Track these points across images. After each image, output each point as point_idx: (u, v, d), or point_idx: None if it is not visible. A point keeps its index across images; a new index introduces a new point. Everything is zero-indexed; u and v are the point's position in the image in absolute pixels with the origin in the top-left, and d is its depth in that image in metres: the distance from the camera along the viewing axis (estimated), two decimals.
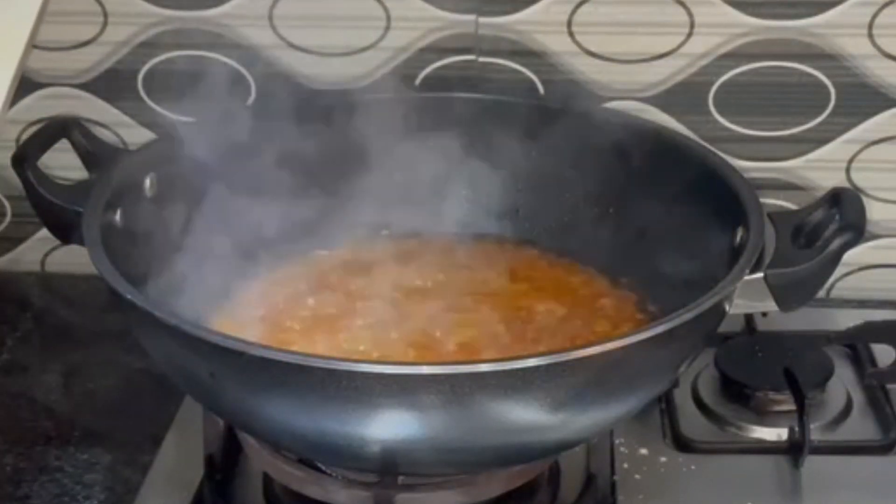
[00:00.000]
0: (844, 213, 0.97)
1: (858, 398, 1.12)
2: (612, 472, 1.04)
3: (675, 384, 1.10)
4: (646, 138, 1.10)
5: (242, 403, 0.91)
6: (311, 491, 0.98)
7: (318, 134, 1.09)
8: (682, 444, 1.07)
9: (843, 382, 1.13)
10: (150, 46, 1.22)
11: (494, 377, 0.85)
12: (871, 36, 1.17)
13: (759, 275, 0.95)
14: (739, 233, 0.99)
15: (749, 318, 1.17)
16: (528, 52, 1.20)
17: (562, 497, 1.03)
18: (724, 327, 0.98)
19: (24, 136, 1.23)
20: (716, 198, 1.03)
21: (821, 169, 1.22)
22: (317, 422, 0.88)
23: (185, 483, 1.04)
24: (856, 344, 1.17)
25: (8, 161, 1.03)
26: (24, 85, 1.22)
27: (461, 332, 1.03)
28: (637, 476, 1.04)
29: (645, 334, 0.88)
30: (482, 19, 1.19)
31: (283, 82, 1.21)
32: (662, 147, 1.09)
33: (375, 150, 1.12)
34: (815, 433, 1.06)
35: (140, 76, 1.23)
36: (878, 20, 1.17)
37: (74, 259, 1.15)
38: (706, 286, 0.93)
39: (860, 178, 1.22)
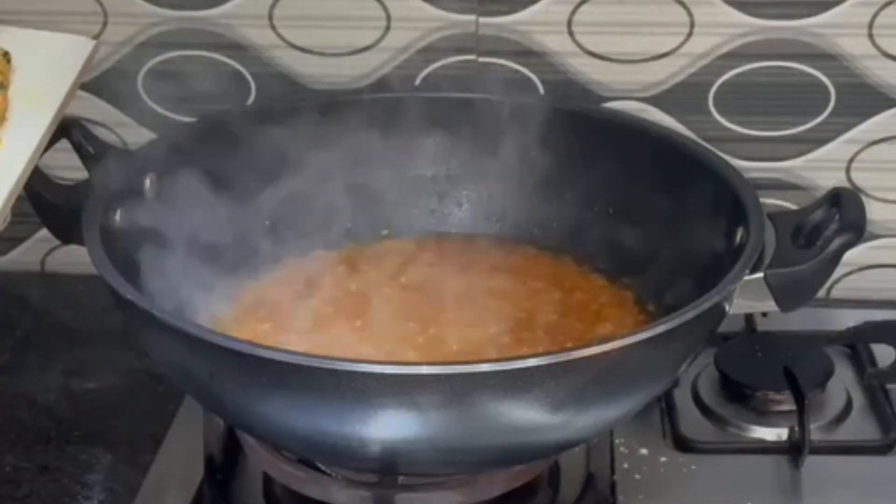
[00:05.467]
0: (844, 213, 0.97)
1: (858, 398, 1.12)
2: (612, 472, 1.04)
3: (675, 384, 1.10)
4: (646, 138, 1.10)
5: (242, 403, 0.91)
6: (311, 491, 0.98)
7: (317, 134, 1.09)
8: (682, 444, 1.07)
9: (843, 382, 1.13)
10: (150, 46, 1.22)
11: (494, 377, 0.85)
12: (871, 36, 1.17)
13: (759, 275, 0.95)
14: (739, 233, 0.99)
15: (749, 318, 1.17)
16: (528, 52, 1.20)
17: (562, 497, 1.03)
18: (724, 327, 0.98)
19: None
20: (716, 198, 1.03)
21: (821, 169, 1.22)
22: (317, 422, 0.89)
23: (185, 483, 1.04)
24: (856, 344, 1.17)
25: None
26: None
27: (461, 333, 1.03)
28: (637, 476, 1.04)
29: (645, 334, 0.88)
30: (482, 19, 1.19)
31: (283, 82, 1.22)
32: (662, 147, 1.09)
33: (375, 150, 1.12)
34: (815, 433, 1.06)
35: (140, 76, 1.23)
36: (878, 20, 1.17)
37: (74, 259, 1.14)
38: (706, 286, 0.93)
39: (860, 178, 1.22)
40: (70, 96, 1.02)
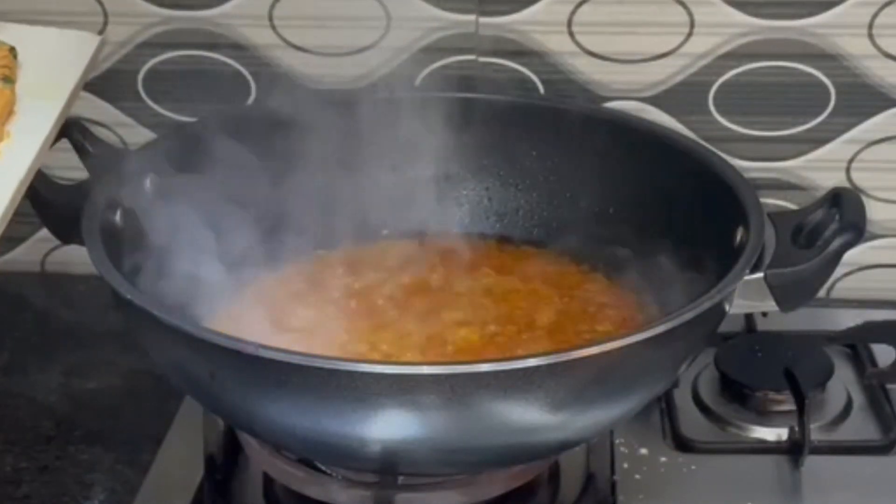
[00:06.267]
0: (844, 213, 0.97)
1: (858, 398, 1.12)
2: (612, 472, 1.04)
3: (675, 384, 1.10)
4: (646, 138, 1.10)
5: (242, 403, 0.91)
6: (311, 491, 0.98)
7: (317, 134, 1.09)
8: (682, 444, 1.07)
9: (843, 382, 1.13)
10: (150, 46, 1.22)
11: (494, 377, 0.85)
12: (871, 36, 1.17)
13: (759, 275, 0.95)
14: (739, 233, 0.99)
15: (749, 318, 1.17)
16: (528, 52, 1.20)
17: (562, 497, 1.03)
18: (724, 327, 0.98)
19: None
20: (716, 198, 1.03)
21: (821, 169, 1.22)
22: (317, 422, 0.89)
23: (185, 483, 1.04)
24: (856, 344, 1.17)
25: None
26: None
27: (461, 332, 1.03)
28: (637, 476, 1.04)
29: (645, 334, 0.88)
30: (482, 19, 1.19)
31: (283, 82, 1.21)
32: (662, 147, 1.09)
33: (375, 150, 1.12)
34: (815, 433, 1.06)
35: (140, 76, 1.23)
36: (878, 20, 1.17)
37: (74, 259, 1.15)
38: (706, 286, 0.93)
39: (860, 178, 1.22)
40: (77, 91, 1.02)
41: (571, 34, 1.19)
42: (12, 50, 1.02)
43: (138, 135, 1.24)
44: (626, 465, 1.05)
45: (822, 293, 1.04)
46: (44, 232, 1.07)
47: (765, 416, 1.09)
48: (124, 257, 0.97)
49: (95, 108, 1.24)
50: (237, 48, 1.22)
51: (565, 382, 0.87)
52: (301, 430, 0.90)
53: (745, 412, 1.10)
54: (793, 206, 1.20)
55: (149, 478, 1.05)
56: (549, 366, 0.86)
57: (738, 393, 1.11)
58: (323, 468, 0.99)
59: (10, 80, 1.00)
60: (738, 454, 1.07)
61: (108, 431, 1.11)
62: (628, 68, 1.20)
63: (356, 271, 1.10)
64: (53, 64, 1.03)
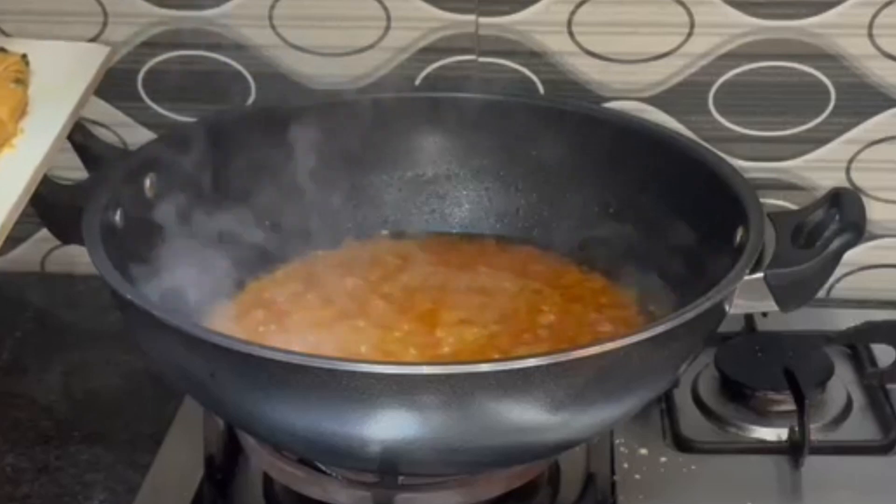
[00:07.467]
0: (844, 213, 0.97)
1: (858, 398, 1.12)
2: (612, 472, 1.04)
3: (675, 384, 1.10)
4: (646, 138, 1.10)
5: (242, 403, 0.91)
6: (311, 491, 0.98)
7: (318, 134, 1.09)
8: (682, 444, 1.07)
9: (843, 382, 1.13)
10: (150, 46, 1.22)
11: (494, 377, 0.85)
12: (871, 36, 1.17)
13: (759, 275, 0.95)
14: (739, 233, 0.99)
15: (749, 318, 1.17)
16: (528, 52, 1.20)
17: (562, 497, 1.03)
18: (724, 327, 0.98)
19: None
20: (716, 198, 1.03)
21: (821, 169, 1.22)
22: (317, 422, 0.89)
23: (185, 483, 1.04)
24: (856, 344, 1.17)
25: None
26: None
27: (461, 332, 1.03)
28: (637, 476, 1.04)
29: (645, 334, 0.88)
30: (482, 19, 1.19)
31: (283, 82, 1.22)
32: (662, 147, 1.09)
33: (375, 150, 1.13)
34: (815, 433, 1.06)
35: (140, 76, 1.23)
36: (878, 20, 1.17)
37: (74, 259, 1.15)
38: (706, 286, 0.93)
39: (860, 178, 1.22)
40: (87, 96, 1.04)
41: (571, 34, 1.19)
42: (24, 57, 1.04)
43: (138, 135, 1.23)
44: (626, 465, 1.05)
45: (822, 293, 1.04)
46: (44, 232, 1.07)
47: (765, 416, 1.09)
48: (124, 257, 0.97)
49: (95, 108, 1.24)
50: (237, 48, 1.21)
51: (565, 382, 0.87)
52: (301, 430, 0.90)
53: (745, 412, 1.10)
54: (793, 206, 1.20)
55: (149, 478, 1.05)
56: (549, 366, 0.86)
57: (738, 393, 1.11)
58: (323, 468, 0.99)
59: (22, 82, 1.02)
60: (738, 454, 1.07)
61: (108, 431, 1.11)
62: (628, 68, 1.20)
63: (356, 271, 1.10)
64: (64, 71, 1.05)
